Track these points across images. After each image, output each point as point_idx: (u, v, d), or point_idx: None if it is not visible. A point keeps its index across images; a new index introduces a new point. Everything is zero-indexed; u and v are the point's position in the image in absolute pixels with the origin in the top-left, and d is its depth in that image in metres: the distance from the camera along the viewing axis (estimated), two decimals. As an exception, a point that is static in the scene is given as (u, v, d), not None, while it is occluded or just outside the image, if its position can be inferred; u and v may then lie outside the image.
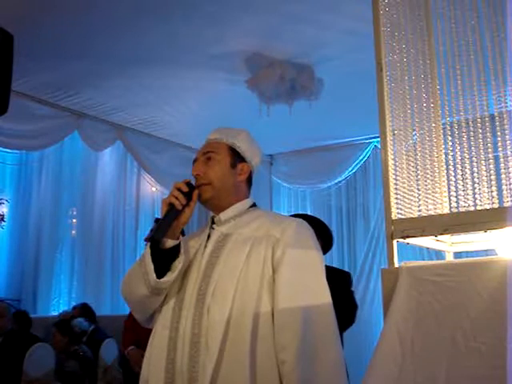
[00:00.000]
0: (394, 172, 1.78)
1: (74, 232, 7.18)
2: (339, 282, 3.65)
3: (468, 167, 1.75)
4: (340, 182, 7.68)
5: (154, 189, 7.52)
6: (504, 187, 1.68)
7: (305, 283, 1.78)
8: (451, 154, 1.80)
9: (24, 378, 4.66)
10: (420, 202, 1.80)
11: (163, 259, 1.80)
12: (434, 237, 1.77)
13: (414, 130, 1.86)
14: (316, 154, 7.69)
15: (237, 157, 1.96)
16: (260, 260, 1.77)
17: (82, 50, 4.95)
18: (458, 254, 2.00)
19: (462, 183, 1.76)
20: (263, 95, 5.31)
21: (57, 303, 6.83)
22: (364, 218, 7.65)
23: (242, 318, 1.70)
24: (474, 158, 1.74)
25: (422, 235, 1.69)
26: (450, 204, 1.82)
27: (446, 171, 1.85)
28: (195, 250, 1.89)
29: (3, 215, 6.56)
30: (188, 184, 1.86)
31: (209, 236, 1.91)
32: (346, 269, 6.49)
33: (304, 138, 7.27)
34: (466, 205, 1.74)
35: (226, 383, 1.65)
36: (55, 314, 6.45)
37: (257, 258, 1.77)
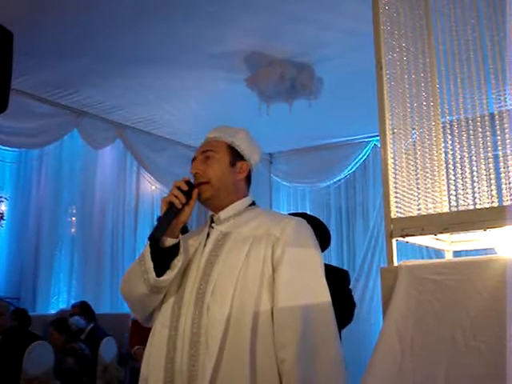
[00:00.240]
0: (393, 171, 1.78)
1: (73, 230, 7.19)
2: (337, 280, 3.65)
3: (467, 166, 1.75)
4: (339, 180, 7.68)
5: (153, 187, 7.52)
6: (504, 186, 1.68)
7: (304, 282, 1.78)
8: (451, 152, 1.80)
9: (23, 376, 4.66)
10: (419, 201, 1.80)
11: (163, 258, 1.80)
12: (433, 235, 1.77)
13: (413, 129, 1.86)
14: (316, 153, 7.70)
15: (236, 155, 1.96)
16: (260, 259, 1.77)
17: (82, 49, 4.95)
18: (457, 253, 2.00)
19: (461, 182, 1.76)
20: (263, 94, 5.31)
21: (56, 301, 6.84)
22: (363, 216, 7.65)
23: (242, 317, 1.70)
24: (473, 157, 1.74)
25: (421, 234, 1.69)
26: (450, 203, 1.82)
27: (445, 170, 1.85)
28: (194, 249, 1.89)
29: (2, 213, 6.56)
30: (188, 183, 1.86)
31: (208, 235, 1.91)
32: (346, 268, 6.49)
33: (304, 136, 7.28)
34: (466, 204, 1.74)
35: (226, 382, 1.65)
36: (54, 312, 6.46)
37: (256, 257, 1.77)
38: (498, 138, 1.70)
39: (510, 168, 1.67)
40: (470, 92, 1.75)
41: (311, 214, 4.63)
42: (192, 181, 1.90)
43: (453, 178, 1.79)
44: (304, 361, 1.66)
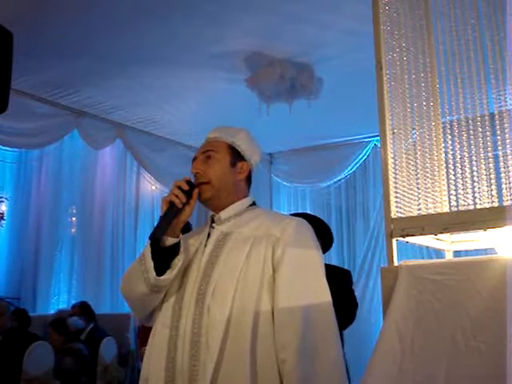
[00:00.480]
0: (393, 171, 1.78)
1: (73, 230, 7.19)
2: (339, 280, 3.66)
3: (468, 166, 1.75)
4: (340, 180, 7.69)
5: (153, 187, 7.52)
6: (504, 186, 1.68)
7: (305, 282, 1.78)
8: (451, 152, 1.80)
9: (23, 376, 4.66)
10: (420, 201, 1.80)
11: (163, 257, 1.80)
12: (433, 235, 1.77)
13: (413, 129, 1.86)
14: (316, 153, 7.70)
15: (236, 155, 1.96)
16: (260, 259, 1.77)
17: (82, 49, 4.95)
18: (457, 253, 2.00)
19: (461, 182, 1.76)
20: (263, 94, 5.31)
21: (56, 301, 6.84)
22: (364, 216, 7.65)
23: (243, 317, 1.70)
24: (473, 157, 1.74)
25: (421, 234, 1.69)
26: (450, 203, 1.82)
27: (445, 170, 1.85)
28: (195, 249, 1.89)
29: (3, 213, 6.57)
30: (188, 182, 1.86)
31: (209, 235, 1.91)
32: (346, 267, 6.49)
33: (304, 136, 7.28)
34: (466, 203, 1.74)
35: (227, 382, 1.66)
36: (54, 312, 6.45)
37: (257, 258, 1.77)
38: (498, 137, 1.70)
39: (510, 168, 1.67)
40: (470, 92, 1.75)
41: (312, 214, 4.62)
42: (193, 180, 1.90)
43: (453, 177, 1.79)
44: (304, 361, 1.66)
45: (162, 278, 1.77)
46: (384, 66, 1.84)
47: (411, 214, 1.77)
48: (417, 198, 1.80)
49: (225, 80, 5.56)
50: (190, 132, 6.77)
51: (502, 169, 1.68)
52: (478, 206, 1.70)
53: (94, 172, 7.17)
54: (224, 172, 1.92)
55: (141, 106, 6.29)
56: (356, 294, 3.85)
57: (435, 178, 1.86)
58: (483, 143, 1.73)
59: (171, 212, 1.81)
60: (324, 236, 3.71)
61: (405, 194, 1.78)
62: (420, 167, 1.83)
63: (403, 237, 1.71)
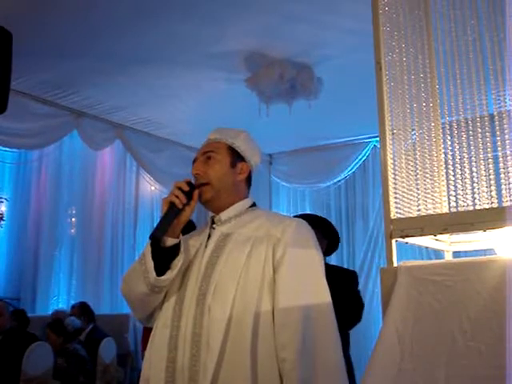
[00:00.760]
0: (393, 171, 1.78)
1: (73, 231, 7.19)
2: (345, 281, 3.67)
3: (467, 167, 1.75)
4: (339, 181, 7.68)
5: (153, 188, 7.51)
6: (503, 187, 1.68)
7: (305, 283, 1.79)
8: (450, 153, 1.80)
9: (22, 376, 4.66)
10: (419, 202, 1.80)
11: (163, 257, 1.80)
12: (433, 236, 1.77)
13: (413, 130, 1.86)
14: (315, 154, 7.69)
15: (236, 156, 1.97)
16: (261, 260, 1.78)
17: (82, 49, 4.95)
18: (456, 254, 2.00)
19: (461, 183, 1.76)
20: (263, 94, 5.31)
21: (56, 302, 6.84)
22: (363, 217, 7.65)
23: (243, 318, 1.71)
24: (473, 158, 1.74)
25: (421, 235, 1.69)
26: (450, 203, 1.82)
27: (445, 171, 1.85)
28: (195, 250, 1.90)
29: (2, 214, 6.57)
30: (189, 183, 1.87)
31: (209, 236, 1.91)
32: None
33: (303, 137, 7.27)
34: (465, 204, 1.74)
35: (228, 382, 1.66)
36: (51, 313, 6.44)
37: (257, 258, 1.78)
38: (498, 138, 1.70)
39: (509, 169, 1.67)
40: (469, 93, 1.75)
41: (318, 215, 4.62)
42: (193, 181, 1.91)
43: (452, 178, 1.79)
44: (304, 361, 1.67)
45: (162, 278, 1.78)
46: (384, 67, 1.84)
47: (411, 215, 1.77)
48: (416, 199, 1.80)
49: (224, 80, 5.56)
50: (189, 132, 6.77)
51: (502, 170, 1.68)
52: (478, 207, 1.70)
53: (93, 172, 7.17)
54: (224, 173, 1.93)
55: (140, 106, 6.29)
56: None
57: (435, 178, 1.86)
58: (483, 144, 1.73)
59: (171, 213, 1.81)
60: (330, 236, 3.72)
61: (404, 194, 1.78)
62: (419, 168, 1.83)
63: (403, 237, 1.71)
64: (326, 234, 3.69)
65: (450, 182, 1.79)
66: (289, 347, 1.69)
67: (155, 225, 1.82)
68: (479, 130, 1.74)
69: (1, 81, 3.69)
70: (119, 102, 6.15)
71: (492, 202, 1.70)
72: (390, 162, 1.78)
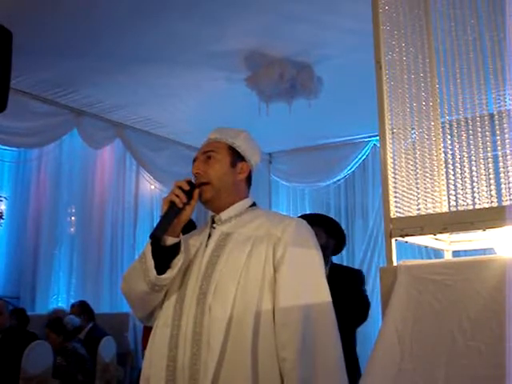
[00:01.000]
0: (392, 170, 1.78)
1: (72, 229, 7.18)
2: (351, 280, 3.68)
3: (467, 166, 1.75)
4: (339, 180, 7.68)
5: (152, 187, 7.52)
6: (503, 186, 1.68)
7: (305, 282, 1.79)
8: (450, 152, 1.80)
9: (22, 375, 4.67)
10: (419, 201, 1.80)
11: (163, 256, 1.80)
12: (432, 235, 1.77)
13: (413, 129, 1.86)
14: (315, 153, 7.69)
15: (236, 156, 1.98)
16: (261, 259, 1.78)
17: (82, 48, 4.95)
18: (456, 253, 2.00)
19: (460, 182, 1.76)
20: (263, 94, 5.31)
21: (55, 301, 6.84)
22: (363, 216, 7.65)
23: (244, 317, 1.71)
24: (473, 157, 1.74)
25: (420, 234, 1.69)
26: (449, 203, 1.82)
27: (445, 170, 1.85)
28: (196, 249, 1.90)
29: (2, 213, 6.56)
30: (189, 182, 1.87)
31: (209, 235, 1.92)
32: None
33: (303, 136, 7.27)
34: (465, 203, 1.74)
35: (228, 381, 1.66)
36: (49, 311, 6.43)
37: (258, 258, 1.78)
38: (498, 137, 1.70)
39: (509, 168, 1.67)
40: (469, 92, 1.75)
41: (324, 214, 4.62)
42: (193, 181, 1.91)
43: (452, 177, 1.79)
44: (305, 360, 1.67)
45: (162, 276, 1.78)
46: (383, 66, 1.84)
47: (410, 214, 1.77)
48: (416, 198, 1.80)
49: (224, 79, 5.56)
50: (189, 131, 6.77)
51: (502, 169, 1.68)
52: (478, 206, 1.70)
53: (93, 171, 7.17)
54: (224, 172, 1.93)
55: (140, 105, 6.29)
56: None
57: (434, 177, 1.86)
58: (482, 143, 1.73)
59: (172, 212, 1.82)
60: (337, 236, 3.73)
61: (404, 193, 1.78)
62: (419, 167, 1.83)
63: (402, 237, 1.71)
64: (333, 234, 3.69)
65: (450, 181, 1.79)
66: (289, 347, 1.69)
67: (155, 224, 1.82)
68: (479, 130, 1.73)
69: (1, 79, 3.68)
70: (119, 100, 6.15)
71: (492, 202, 1.70)
72: (389, 161, 1.78)
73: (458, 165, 1.78)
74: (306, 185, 7.97)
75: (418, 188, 1.81)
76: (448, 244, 1.96)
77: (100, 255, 7.06)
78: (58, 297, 6.89)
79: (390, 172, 1.77)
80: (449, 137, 1.81)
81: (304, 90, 5.27)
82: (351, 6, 4.15)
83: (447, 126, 1.84)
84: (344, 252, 7.61)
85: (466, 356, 1.34)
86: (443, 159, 1.87)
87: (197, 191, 1.88)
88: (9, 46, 3.70)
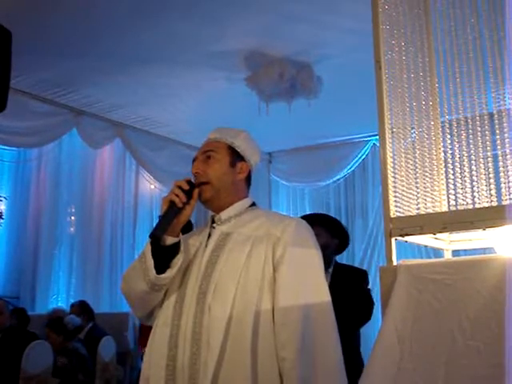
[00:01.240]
0: (392, 170, 1.78)
1: (72, 229, 7.18)
2: (355, 279, 3.68)
3: (467, 165, 1.75)
4: (339, 180, 7.69)
5: (152, 186, 7.52)
6: (503, 185, 1.68)
7: (305, 282, 1.79)
8: (450, 152, 1.80)
9: (22, 374, 4.66)
10: (419, 200, 1.80)
11: (163, 256, 1.80)
12: (432, 235, 1.77)
13: (412, 128, 1.86)
14: (315, 152, 7.70)
15: (236, 156, 1.97)
16: (261, 259, 1.78)
17: (82, 48, 4.95)
18: (456, 252, 2.00)
19: (460, 181, 1.76)
20: (263, 93, 5.31)
21: (55, 300, 6.83)
22: (362, 216, 7.65)
23: (243, 317, 1.71)
24: (472, 156, 1.74)
25: (420, 233, 1.69)
26: (449, 202, 1.82)
27: (444, 169, 1.85)
28: (196, 249, 1.90)
29: (1, 212, 6.56)
30: (189, 182, 1.87)
31: (209, 235, 1.92)
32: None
33: (303, 136, 7.28)
34: (465, 203, 1.74)
35: (228, 380, 1.66)
36: (49, 311, 6.43)
37: (257, 257, 1.78)
38: (497, 137, 1.70)
39: (509, 167, 1.67)
40: (469, 91, 1.75)
41: (327, 214, 4.62)
42: (193, 180, 1.91)
43: (452, 177, 1.79)
44: (304, 360, 1.67)
45: (162, 276, 1.78)
46: (383, 66, 1.84)
47: (410, 214, 1.77)
48: (416, 198, 1.80)
49: (224, 79, 5.56)
50: (189, 131, 6.77)
51: (501, 168, 1.68)
52: (477, 206, 1.70)
53: (92, 171, 7.17)
54: (224, 172, 1.93)
55: (140, 105, 6.29)
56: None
57: (434, 177, 1.86)
58: (482, 143, 1.73)
59: (171, 211, 1.82)
60: (340, 235, 3.72)
61: (404, 193, 1.78)
62: (419, 166, 1.83)
63: (402, 236, 1.71)
64: (336, 233, 3.69)
65: (450, 180, 1.79)
66: (288, 346, 1.69)
67: (155, 224, 1.82)
68: (479, 129, 1.74)
69: (1, 79, 3.68)
70: (119, 100, 6.15)
71: (491, 201, 1.70)
72: (389, 160, 1.78)
73: (457, 164, 1.78)
74: (306, 184, 7.97)
75: (417, 187, 1.81)
76: (448, 243, 1.96)
77: (100, 255, 7.06)
78: (57, 297, 6.89)
79: (389, 171, 1.77)
80: (448, 136, 1.81)
81: (304, 90, 5.27)
82: (351, 6, 4.15)
83: (447, 126, 1.84)
84: (344, 251, 7.63)
85: (466, 356, 1.34)
86: (443, 158, 1.87)
87: (196, 191, 1.88)
88: (9, 45, 3.70)
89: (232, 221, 1.92)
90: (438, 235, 1.81)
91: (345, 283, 3.51)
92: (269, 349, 1.71)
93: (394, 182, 1.77)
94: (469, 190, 1.74)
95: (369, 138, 7.34)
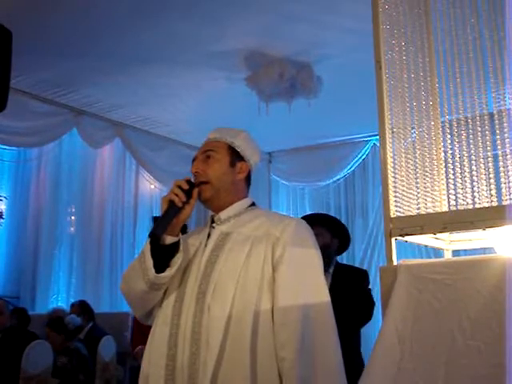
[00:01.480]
0: (392, 170, 1.78)
1: (72, 229, 7.18)
2: (356, 279, 3.68)
3: (467, 165, 1.75)
4: (339, 179, 7.69)
5: (152, 186, 7.52)
6: (503, 185, 1.68)
7: (304, 282, 1.79)
8: (450, 152, 1.80)
9: (22, 374, 4.66)
10: (419, 200, 1.80)
11: (163, 255, 1.80)
12: (432, 235, 1.77)
13: (413, 128, 1.86)
14: (315, 152, 7.70)
15: (236, 156, 1.97)
16: (260, 259, 1.78)
17: (82, 48, 4.95)
18: (456, 252, 2.00)
19: (460, 181, 1.76)
20: (262, 93, 5.31)
21: (55, 300, 6.83)
22: (363, 215, 7.65)
23: (243, 316, 1.71)
24: (472, 157, 1.74)
25: (420, 233, 1.69)
26: (449, 202, 1.82)
27: (444, 169, 1.85)
28: (195, 249, 1.90)
29: (1, 212, 6.56)
30: (188, 182, 1.87)
31: (209, 235, 1.92)
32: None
33: (303, 135, 7.28)
34: (465, 203, 1.74)
35: (227, 380, 1.66)
36: (49, 311, 6.43)
37: (257, 257, 1.78)
38: (497, 137, 1.70)
39: (509, 167, 1.67)
40: (469, 91, 1.75)
41: (328, 214, 4.61)
42: (193, 180, 1.91)
43: (452, 177, 1.79)
44: (303, 360, 1.67)
45: (161, 275, 1.78)
46: (383, 66, 1.84)
47: (410, 214, 1.77)
48: (416, 198, 1.80)
49: (224, 79, 5.56)
50: (189, 131, 6.77)
51: (501, 168, 1.68)
52: (477, 206, 1.70)
53: (92, 171, 7.17)
54: (223, 172, 1.93)
55: (140, 104, 6.29)
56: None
57: (434, 177, 1.86)
58: (482, 143, 1.73)
59: (171, 211, 1.82)
60: (341, 235, 3.72)
61: (404, 193, 1.78)
62: (419, 166, 1.83)
63: (402, 236, 1.71)
64: (337, 233, 3.68)
65: (450, 180, 1.79)
66: (288, 346, 1.69)
67: (155, 223, 1.83)
68: (479, 129, 1.74)
69: (1, 79, 3.68)
70: (119, 100, 6.15)
71: (492, 201, 1.70)
72: (389, 160, 1.78)
73: (457, 164, 1.78)
74: (306, 184, 7.97)
75: (417, 187, 1.81)
76: (448, 243, 1.96)
77: (100, 255, 7.06)
78: (57, 296, 6.89)
79: (389, 171, 1.77)
80: (449, 136, 1.81)
81: (304, 90, 5.27)
82: (351, 6, 4.15)
83: (447, 126, 1.84)
84: (345, 251, 7.62)
85: (466, 355, 1.34)
86: (443, 158, 1.88)
87: (196, 190, 1.88)
88: (9, 45, 3.71)
89: (231, 221, 1.92)
90: (438, 235, 1.81)
91: (345, 283, 3.51)
92: (268, 349, 1.71)
93: (394, 182, 1.77)
94: (469, 190, 1.74)
95: (369, 138, 7.34)
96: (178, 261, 1.81)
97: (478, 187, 1.72)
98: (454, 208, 1.77)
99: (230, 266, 1.78)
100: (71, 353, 5.16)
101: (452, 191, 1.79)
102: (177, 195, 1.82)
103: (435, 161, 1.88)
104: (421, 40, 1.93)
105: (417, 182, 1.82)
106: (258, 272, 1.76)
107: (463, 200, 1.74)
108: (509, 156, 1.67)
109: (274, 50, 5.04)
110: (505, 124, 1.68)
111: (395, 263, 1.67)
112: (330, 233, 3.62)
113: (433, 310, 1.45)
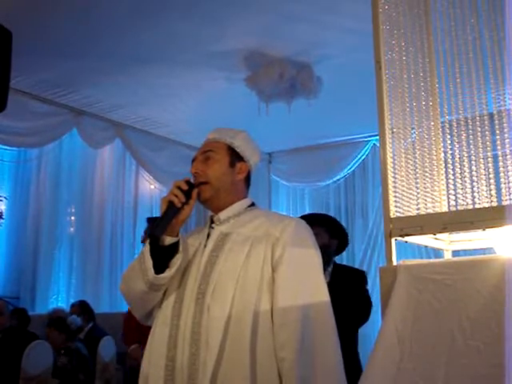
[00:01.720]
0: (392, 170, 1.78)
1: (72, 229, 7.18)
2: (354, 280, 3.68)
3: (467, 165, 1.75)
4: (339, 180, 7.70)
5: (152, 186, 7.52)
6: (503, 186, 1.68)
7: (304, 282, 1.79)
8: (450, 152, 1.80)
9: (22, 375, 4.66)
10: (419, 200, 1.80)
11: (162, 256, 1.80)
12: (432, 235, 1.77)
13: (412, 129, 1.86)
14: (315, 153, 7.70)
15: (235, 156, 1.97)
16: (260, 259, 1.78)
17: (82, 48, 4.95)
18: (456, 253, 2.00)
19: (460, 181, 1.76)
20: (262, 93, 5.31)
21: (55, 300, 6.83)
22: (362, 216, 7.65)
23: (242, 317, 1.71)
24: (472, 157, 1.74)
25: (420, 233, 1.69)
26: (449, 202, 1.82)
27: (444, 169, 1.85)
28: (195, 249, 1.90)
29: (1, 212, 6.56)
30: (188, 182, 1.87)
31: (208, 235, 1.92)
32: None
33: (303, 136, 7.28)
34: (465, 203, 1.74)
35: (227, 380, 1.66)
36: (49, 311, 6.42)
37: (256, 258, 1.78)
38: (497, 137, 1.70)
39: (509, 168, 1.67)
40: (469, 92, 1.75)
41: (326, 214, 4.61)
42: (192, 180, 1.91)
43: (452, 177, 1.79)
44: (303, 360, 1.67)
45: (160, 276, 1.78)
46: (383, 66, 1.84)
47: (410, 214, 1.77)
48: (416, 198, 1.80)
49: (224, 79, 5.56)
50: (189, 131, 6.78)
51: (501, 168, 1.68)
52: (477, 206, 1.70)
53: (92, 171, 7.17)
54: (223, 172, 1.93)
55: (140, 105, 6.29)
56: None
57: (434, 177, 1.86)
58: (482, 143, 1.73)
59: (170, 211, 1.82)
60: (340, 236, 3.72)
61: (404, 193, 1.78)
62: (419, 167, 1.83)
63: (402, 236, 1.71)
64: (335, 234, 3.68)
65: (450, 180, 1.79)
66: (288, 346, 1.69)
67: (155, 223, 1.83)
68: (479, 129, 1.74)
69: (1, 79, 3.68)
70: (119, 100, 6.15)
71: (491, 201, 1.70)
72: (389, 160, 1.78)
73: (457, 164, 1.78)
74: (306, 184, 7.98)
75: (417, 187, 1.81)
76: (448, 244, 1.96)
77: (100, 255, 7.06)
78: (57, 297, 6.89)
79: (389, 172, 1.77)
80: (448, 136, 1.81)
81: (304, 90, 5.27)
82: (351, 6, 4.15)
83: (447, 126, 1.84)
84: (344, 252, 7.62)
85: (466, 355, 1.34)
86: (443, 159, 1.87)
87: (195, 191, 1.88)
88: (9, 45, 3.71)
89: (231, 221, 1.92)
90: (438, 235, 1.81)
91: (343, 284, 3.51)
92: (268, 349, 1.71)
93: (394, 182, 1.77)
94: (469, 191, 1.73)
95: (369, 138, 7.34)
96: (177, 261, 1.81)
97: (478, 187, 1.72)
98: (454, 208, 1.77)
99: (229, 267, 1.78)
100: (71, 353, 5.16)
101: (452, 191, 1.79)
102: (176, 196, 1.82)
103: (435, 161, 1.88)
104: (421, 40, 1.93)
105: (417, 183, 1.82)
106: (258, 272, 1.76)
107: (463, 200, 1.74)
108: (509, 156, 1.67)
109: (274, 50, 5.05)
110: (505, 124, 1.68)
111: (395, 263, 1.67)
112: (328, 233, 3.62)
113: (433, 310, 1.45)
